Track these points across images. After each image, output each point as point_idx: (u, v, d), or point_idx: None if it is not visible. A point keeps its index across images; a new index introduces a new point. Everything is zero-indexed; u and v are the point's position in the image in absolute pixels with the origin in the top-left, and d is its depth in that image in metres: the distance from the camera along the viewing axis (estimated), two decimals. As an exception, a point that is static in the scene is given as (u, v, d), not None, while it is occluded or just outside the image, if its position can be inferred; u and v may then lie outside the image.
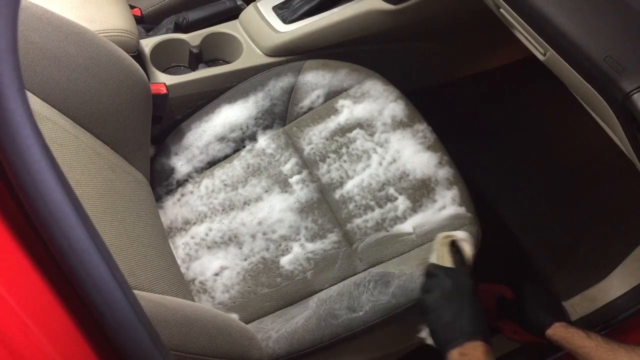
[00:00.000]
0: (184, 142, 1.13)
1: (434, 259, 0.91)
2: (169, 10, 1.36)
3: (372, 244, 1.00)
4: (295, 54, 1.23)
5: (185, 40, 1.22)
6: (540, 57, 0.87)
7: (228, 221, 1.04)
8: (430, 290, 0.88)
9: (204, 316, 0.79)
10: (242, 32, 1.26)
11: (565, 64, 0.80)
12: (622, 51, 0.73)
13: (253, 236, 1.02)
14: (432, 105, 1.22)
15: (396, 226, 1.01)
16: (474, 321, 0.83)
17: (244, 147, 1.13)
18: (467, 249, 0.91)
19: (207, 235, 1.03)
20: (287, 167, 1.09)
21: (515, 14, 0.86)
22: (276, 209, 1.04)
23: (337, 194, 1.05)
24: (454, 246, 0.91)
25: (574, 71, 0.79)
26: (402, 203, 1.03)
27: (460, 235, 0.92)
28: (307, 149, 1.11)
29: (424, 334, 0.88)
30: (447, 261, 0.89)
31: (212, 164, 1.12)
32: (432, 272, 0.89)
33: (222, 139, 1.12)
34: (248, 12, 1.28)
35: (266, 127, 1.14)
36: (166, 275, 0.88)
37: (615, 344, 0.90)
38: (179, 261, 1.00)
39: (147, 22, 1.36)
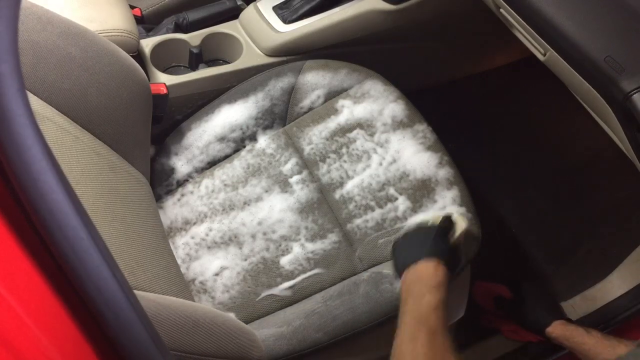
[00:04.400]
0: (184, 142, 1.13)
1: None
2: (169, 10, 1.36)
3: (372, 244, 1.00)
4: (295, 54, 1.23)
5: (185, 40, 1.22)
6: (540, 57, 0.87)
7: (228, 221, 1.04)
8: (403, 237, 0.90)
9: (204, 316, 0.79)
10: (242, 32, 1.26)
11: (565, 64, 0.80)
12: (622, 51, 0.73)
13: (253, 236, 1.02)
14: (432, 105, 1.23)
15: (396, 226, 1.01)
16: (431, 246, 0.83)
17: (244, 147, 1.13)
18: (460, 227, 0.90)
19: (207, 235, 1.03)
20: (287, 167, 1.09)
21: (515, 14, 0.86)
22: (276, 209, 1.04)
23: (337, 194, 1.05)
24: (448, 221, 0.91)
25: (574, 71, 0.79)
26: (402, 203, 1.03)
27: (457, 215, 0.92)
28: (307, 149, 1.11)
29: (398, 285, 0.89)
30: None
31: (212, 164, 1.12)
32: (412, 226, 0.91)
33: (222, 139, 1.12)
34: (248, 12, 1.28)
35: (266, 127, 1.14)
36: (166, 275, 0.88)
37: (615, 340, 0.90)
38: (179, 261, 1.00)
39: (147, 22, 1.36)
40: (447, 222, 0.89)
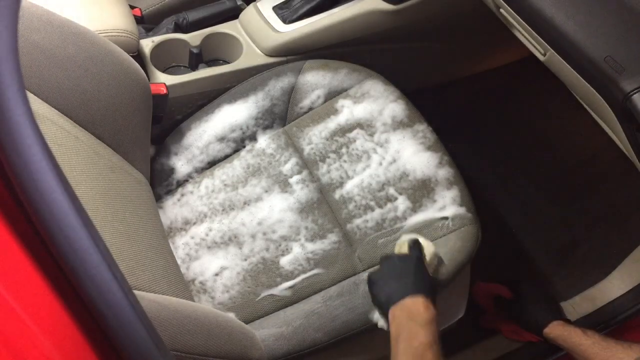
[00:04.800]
0: (184, 142, 1.13)
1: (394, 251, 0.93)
2: (169, 10, 1.36)
3: (372, 244, 1.00)
4: (295, 54, 1.23)
5: (185, 40, 1.22)
6: (540, 57, 0.87)
7: (228, 221, 1.04)
8: (378, 269, 0.89)
9: (204, 316, 0.79)
10: (242, 32, 1.26)
11: (565, 64, 0.80)
12: (622, 51, 0.73)
13: (253, 236, 1.02)
14: (432, 105, 1.23)
15: (396, 226, 1.01)
16: (416, 280, 0.82)
17: (244, 147, 1.13)
18: (427, 246, 0.91)
19: (207, 235, 1.03)
20: (287, 167, 1.09)
21: (515, 14, 0.86)
22: (276, 209, 1.04)
23: (337, 194, 1.05)
24: (416, 246, 0.91)
25: (574, 71, 0.79)
26: (402, 203, 1.03)
27: (422, 239, 0.93)
28: (307, 149, 1.11)
29: (374, 315, 0.89)
30: (403, 252, 0.91)
31: (212, 164, 1.12)
32: (385, 257, 0.91)
33: (222, 139, 1.12)
34: (248, 12, 1.28)
35: (266, 127, 1.14)
36: (166, 275, 0.88)
37: (612, 341, 0.91)
38: (179, 261, 1.00)
39: (147, 22, 1.36)
40: (417, 248, 0.89)
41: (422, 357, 0.73)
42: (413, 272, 0.84)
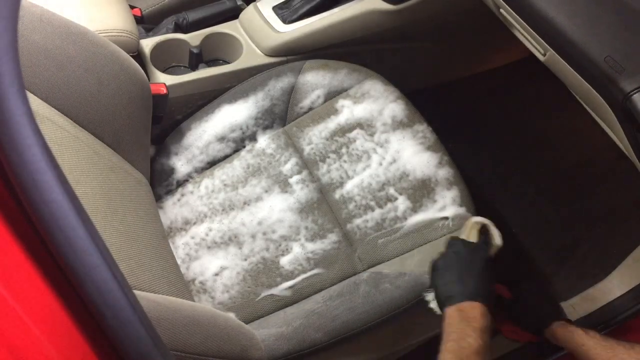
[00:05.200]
0: (184, 142, 1.13)
1: (461, 236, 0.92)
2: (169, 10, 1.36)
3: (372, 244, 1.00)
4: (295, 54, 1.23)
5: (185, 40, 1.22)
6: (540, 57, 0.87)
7: (228, 221, 1.04)
8: (445, 254, 0.89)
9: (204, 316, 0.79)
10: (242, 32, 1.26)
11: (565, 64, 0.80)
12: (622, 51, 0.73)
13: (253, 236, 1.02)
14: (432, 105, 1.23)
15: (396, 226, 1.01)
16: (478, 284, 0.83)
17: (244, 147, 1.13)
18: (496, 237, 0.91)
19: (207, 235, 1.03)
20: (287, 167, 1.09)
21: (515, 14, 0.86)
22: (276, 209, 1.04)
23: (337, 194, 1.05)
24: (484, 231, 0.91)
25: (574, 71, 0.79)
26: (402, 203, 1.03)
27: (493, 227, 0.92)
28: (307, 149, 1.11)
29: (429, 296, 0.89)
30: (472, 239, 0.90)
31: (212, 164, 1.12)
32: (454, 241, 0.90)
33: (222, 139, 1.12)
34: (248, 12, 1.28)
35: (266, 127, 1.14)
36: (166, 275, 0.88)
37: (614, 342, 0.90)
38: (179, 261, 1.00)
39: (147, 22, 1.36)
40: (485, 237, 0.88)
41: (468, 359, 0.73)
42: (478, 272, 0.84)
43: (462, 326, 0.78)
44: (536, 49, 0.87)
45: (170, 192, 1.10)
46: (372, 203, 1.04)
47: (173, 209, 1.08)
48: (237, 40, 1.25)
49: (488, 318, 0.80)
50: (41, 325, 0.47)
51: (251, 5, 1.29)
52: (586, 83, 0.77)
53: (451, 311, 0.81)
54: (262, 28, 1.24)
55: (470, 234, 0.91)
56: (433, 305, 0.87)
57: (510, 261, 1.39)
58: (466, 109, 1.61)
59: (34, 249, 0.49)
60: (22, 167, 0.46)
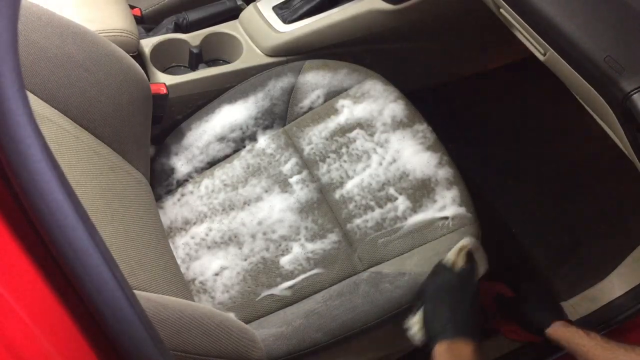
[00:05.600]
0: (184, 142, 1.13)
1: (448, 259, 0.92)
2: (169, 10, 1.36)
3: (372, 244, 1.00)
4: (295, 54, 1.23)
5: (185, 40, 1.22)
6: (540, 57, 0.87)
7: (228, 221, 1.04)
8: (433, 280, 0.88)
9: (204, 316, 0.79)
10: (242, 32, 1.26)
11: (565, 64, 0.80)
12: (622, 51, 0.73)
13: (253, 236, 1.02)
14: (432, 105, 1.23)
15: (396, 226, 1.01)
16: (469, 320, 0.83)
17: (244, 147, 1.13)
18: (482, 264, 0.92)
19: (207, 235, 1.03)
20: (287, 167, 1.09)
21: (515, 14, 0.86)
22: (276, 209, 1.04)
23: (337, 194, 1.05)
24: (470, 255, 0.91)
25: (574, 71, 0.79)
26: (402, 203, 1.03)
27: (480, 254, 0.93)
28: (307, 149, 1.11)
29: (414, 327, 0.88)
30: (460, 261, 0.90)
31: (212, 164, 1.12)
32: (442, 266, 0.90)
33: (222, 139, 1.12)
34: (248, 12, 1.28)
35: (266, 127, 1.14)
36: (166, 275, 0.88)
37: (615, 344, 0.90)
38: (179, 261, 1.00)
39: (147, 22, 1.36)
40: (472, 263, 0.88)
41: None
42: (469, 304, 0.84)
43: None
44: (536, 49, 0.87)
45: (170, 192, 1.10)
46: (372, 203, 1.04)
47: (173, 209, 1.08)
48: (237, 40, 1.25)
49: (478, 356, 0.79)
50: (41, 325, 0.47)
51: (251, 5, 1.29)
52: (586, 83, 0.77)
53: (442, 350, 0.80)
54: (262, 28, 1.24)
55: (459, 257, 0.91)
56: (416, 334, 0.86)
57: (511, 261, 1.39)
58: (466, 109, 1.61)
59: (34, 249, 0.49)
60: (22, 167, 0.46)
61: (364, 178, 1.06)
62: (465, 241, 0.93)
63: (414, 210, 1.02)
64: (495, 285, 1.17)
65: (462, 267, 0.90)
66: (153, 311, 0.70)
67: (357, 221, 1.02)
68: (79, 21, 0.91)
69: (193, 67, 1.23)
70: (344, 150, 1.10)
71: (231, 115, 1.13)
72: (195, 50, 1.22)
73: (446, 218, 1.01)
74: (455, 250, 0.92)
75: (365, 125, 1.12)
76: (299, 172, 1.08)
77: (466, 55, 1.52)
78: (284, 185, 1.07)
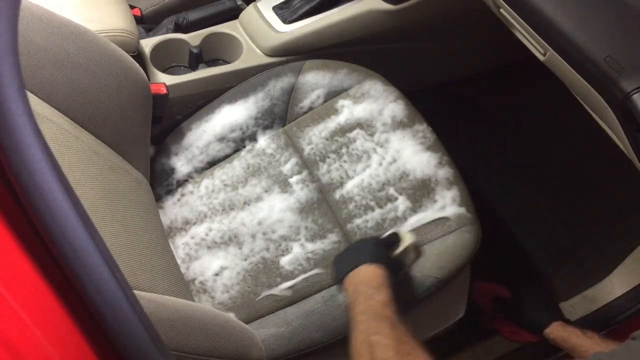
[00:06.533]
0: (184, 142, 1.13)
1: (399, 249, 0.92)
2: (169, 10, 1.36)
3: (372, 244, 1.00)
4: (295, 54, 1.23)
5: (185, 40, 1.22)
6: (540, 57, 0.87)
7: (228, 221, 1.04)
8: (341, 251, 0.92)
9: (204, 316, 0.79)
10: (242, 32, 1.26)
11: (565, 64, 0.80)
12: (622, 51, 0.73)
13: (253, 236, 1.02)
14: (432, 105, 1.23)
15: (396, 226, 1.01)
16: (370, 254, 0.84)
17: (244, 147, 1.13)
18: (405, 241, 0.90)
19: (207, 235, 1.03)
20: (287, 167, 1.09)
21: (515, 14, 0.86)
22: (276, 209, 1.04)
23: (337, 194, 1.05)
24: (394, 237, 0.90)
25: (574, 71, 0.79)
26: (402, 203, 1.03)
27: (404, 232, 0.92)
28: (307, 149, 1.11)
29: (340, 296, 0.89)
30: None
31: (212, 164, 1.12)
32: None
33: (222, 139, 1.12)
34: (248, 12, 1.28)
35: (266, 127, 1.14)
36: (166, 275, 0.88)
37: (613, 343, 0.90)
38: (179, 261, 1.00)
39: (147, 22, 1.36)
40: (392, 237, 0.89)
41: (382, 314, 0.74)
42: (369, 248, 0.86)
43: (364, 288, 0.79)
44: (536, 48, 0.87)
45: (170, 192, 1.10)
46: (372, 203, 1.04)
47: (173, 209, 1.08)
48: (237, 40, 1.25)
49: (382, 273, 0.81)
50: (41, 325, 0.47)
51: (251, 5, 1.29)
52: (586, 83, 0.77)
53: (349, 279, 0.82)
54: (262, 28, 1.24)
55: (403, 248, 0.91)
56: (342, 298, 0.87)
57: (510, 261, 1.39)
58: (466, 109, 1.61)
59: (34, 249, 0.49)
60: (22, 167, 0.46)
61: (364, 178, 1.06)
62: (410, 237, 0.92)
63: (414, 210, 1.02)
64: (494, 286, 1.17)
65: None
66: (153, 311, 0.70)
67: (357, 221, 1.02)
68: (79, 21, 0.91)
69: (193, 67, 1.23)
70: (344, 150, 1.10)
71: (231, 115, 1.14)
72: (195, 50, 1.22)
73: (446, 218, 1.01)
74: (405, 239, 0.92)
75: (365, 125, 1.12)
76: (299, 172, 1.08)
77: (466, 55, 1.52)
78: (284, 185, 1.07)
